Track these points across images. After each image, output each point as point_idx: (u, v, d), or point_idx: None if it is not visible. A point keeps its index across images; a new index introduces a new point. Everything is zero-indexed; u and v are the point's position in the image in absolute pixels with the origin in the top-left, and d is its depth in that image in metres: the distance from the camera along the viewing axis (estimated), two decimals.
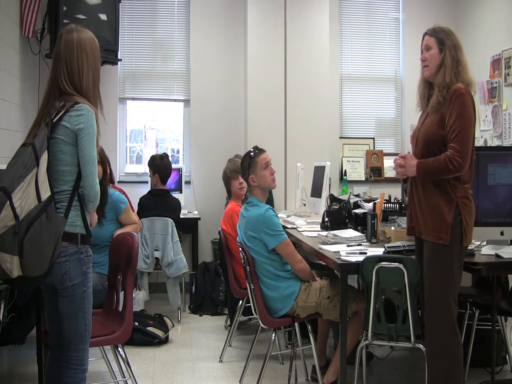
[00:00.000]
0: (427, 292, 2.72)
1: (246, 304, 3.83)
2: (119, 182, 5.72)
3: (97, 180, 2.36)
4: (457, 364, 2.67)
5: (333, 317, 3.21)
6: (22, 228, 2.16)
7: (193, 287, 5.25)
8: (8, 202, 2.16)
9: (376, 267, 2.80)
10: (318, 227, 4.13)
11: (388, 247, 3.04)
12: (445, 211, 2.65)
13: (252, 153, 3.33)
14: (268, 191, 3.42)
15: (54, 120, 2.30)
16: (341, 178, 6.22)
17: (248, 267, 3.24)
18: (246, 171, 3.34)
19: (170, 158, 5.15)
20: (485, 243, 3.13)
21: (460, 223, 2.65)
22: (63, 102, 2.33)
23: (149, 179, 5.34)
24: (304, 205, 5.09)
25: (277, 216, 3.27)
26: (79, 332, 2.38)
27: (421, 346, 2.83)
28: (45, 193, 2.22)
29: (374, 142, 6.50)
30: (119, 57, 5.57)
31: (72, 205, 2.31)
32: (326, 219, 4.02)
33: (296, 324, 3.34)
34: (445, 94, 2.69)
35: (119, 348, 2.93)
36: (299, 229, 4.18)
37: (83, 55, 2.36)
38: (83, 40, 2.37)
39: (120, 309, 2.93)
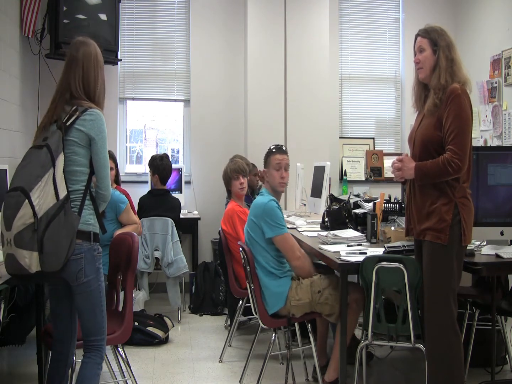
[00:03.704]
0: (426, 291, 2.72)
1: (246, 304, 3.83)
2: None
3: (110, 181, 2.49)
4: (458, 364, 2.67)
5: (327, 311, 3.19)
6: (42, 225, 2.24)
7: (193, 287, 5.25)
8: (26, 200, 2.23)
9: (376, 267, 2.81)
10: (318, 227, 4.13)
11: (388, 247, 3.04)
12: (444, 211, 2.65)
13: (273, 149, 3.40)
14: (278, 193, 3.41)
15: (68, 124, 2.39)
16: (341, 178, 6.22)
17: (248, 267, 3.24)
18: (264, 164, 3.43)
19: (170, 158, 5.15)
20: (485, 243, 3.13)
21: (458, 223, 2.65)
22: (74, 106, 2.43)
23: (149, 179, 5.34)
24: (304, 205, 5.09)
25: (281, 210, 3.28)
26: (98, 324, 2.49)
27: (421, 346, 2.83)
28: (63, 192, 2.32)
29: (374, 142, 6.50)
30: (119, 57, 5.58)
31: (84, 204, 2.42)
32: (326, 219, 4.02)
33: (296, 324, 3.35)
34: (441, 96, 2.68)
35: (119, 348, 2.94)
36: (299, 229, 4.18)
37: (98, 68, 2.54)
38: (99, 54, 2.56)
39: (120, 309, 2.93)
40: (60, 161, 2.33)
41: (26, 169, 2.32)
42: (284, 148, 3.44)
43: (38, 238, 2.23)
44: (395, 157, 2.86)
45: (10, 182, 2.37)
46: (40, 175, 2.28)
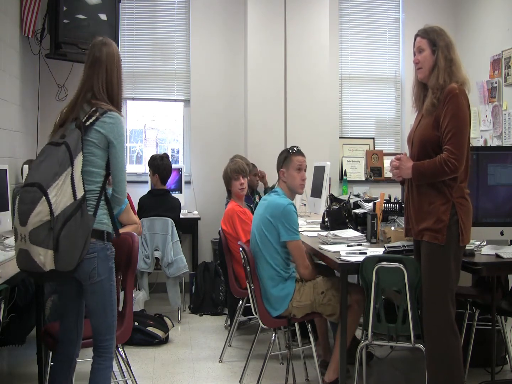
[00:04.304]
0: (424, 292, 2.72)
1: (246, 304, 3.83)
2: None
3: (126, 186, 2.50)
4: (457, 364, 2.66)
5: (328, 312, 3.20)
6: (58, 224, 2.22)
7: (193, 287, 5.25)
8: (44, 197, 2.20)
9: (376, 267, 2.81)
10: (318, 227, 4.13)
11: (388, 247, 3.04)
12: (441, 211, 2.64)
13: (291, 150, 3.39)
14: (294, 194, 3.41)
15: (87, 124, 2.38)
16: (341, 178, 6.22)
17: (248, 267, 3.24)
18: (280, 164, 3.40)
19: (170, 158, 5.15)
20: (485, 243, 3.12)
21: (456, 223, 2.64)
22: (94, 107, 2.42)
23: (149, 179, 5.34)
24: (304, 205, 5.09)
25: (297, 214, 3.27)
26: (108, 324, 2.48)
27: (421, 346, 2.83)
28: (80, 192, 2.31)
29: (374, 142, 6.50)
30: None
31: (99, 204, 2.41)
32: (326, 219, 4.02)
33: (296, 324, 3.35)
34: (439, 96, 2.67)
35: (119, 348, 2.94)
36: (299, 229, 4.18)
37: (120, 69, 2.54)
38: (119, 55, 2.57)
39: (120, 309, 2.93)
40: (78, 161, 2.32)
41: (43, 165, 2.28)
42: (300, 149, 3.45)
43: (54, 236, 2.21)
44: (391, 158, 2.86)
45: (26, 177, 2.33)
46: (58, 173, 2.25)
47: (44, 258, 2.21)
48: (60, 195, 2.24)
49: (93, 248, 2.37)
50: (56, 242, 2.21)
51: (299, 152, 3.39)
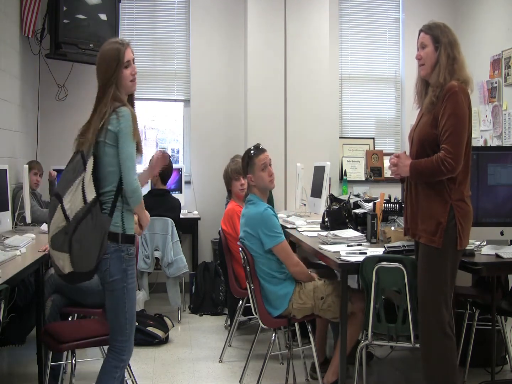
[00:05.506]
0: (419, 293, 2.70)
1: (246, 304, 3.83)
2: None
3: (135, 176, 2.46)
4: (449, 366, 2.63)
5: (329, 316, 3.20)
6: (71, 228, 2.34)
7: (193, 287, 5.25)
8: (60, 204, 2.36)
9: (376, 267, 2.81)
10: (318, 227, 4.12)
11: (388, 247, 3.04)
12: (439, 213, 2.60)
13: (252, 152, 3.31)
14: (267, 191, 3.40)
15: (100, 126, 2.44)
16: (341, 178, 6.22)
17: (248, 267, 3.24)
18: (245, 170, 3.35)
19: (171, 158, 5.14)
20: (485, 243, 3.12)
21: (454, 227, 2.59)
22: (106, 108, 2.48)
23: (149, 179, 5.34)
24: (304, 205, 5.09)
25: (276, 216, 3.25)
26: (119, 324, 2.54)
27: None
28: (91, 195, 2.37)
29: (374, 142, 6.50)
30: None
31: (116, 205, 2.45)
32: (326, 219, 4.02)
33: (296, 324, 3.34)
34: (439, 93, 2.61)
35: None
36: (299, 229, 4.18)
37: (106, 84, 2.54)
38: (105, 65, 2.59)
39: None
40: (89, 164, 2.39)
41: (64, 174, 2.46)
42: (260, 146, 3.36)
43: (67, 240, 2.33)
44: (390, 156, 2.84)
45: None
46: (72, 180, 2.38)
47: (63, 262, 2.35)
48: (74, 201, 2.35)
49: (107, 249, 2.42)
50: (69, 245, 2.33)
51: (260, 151, 3.30)
